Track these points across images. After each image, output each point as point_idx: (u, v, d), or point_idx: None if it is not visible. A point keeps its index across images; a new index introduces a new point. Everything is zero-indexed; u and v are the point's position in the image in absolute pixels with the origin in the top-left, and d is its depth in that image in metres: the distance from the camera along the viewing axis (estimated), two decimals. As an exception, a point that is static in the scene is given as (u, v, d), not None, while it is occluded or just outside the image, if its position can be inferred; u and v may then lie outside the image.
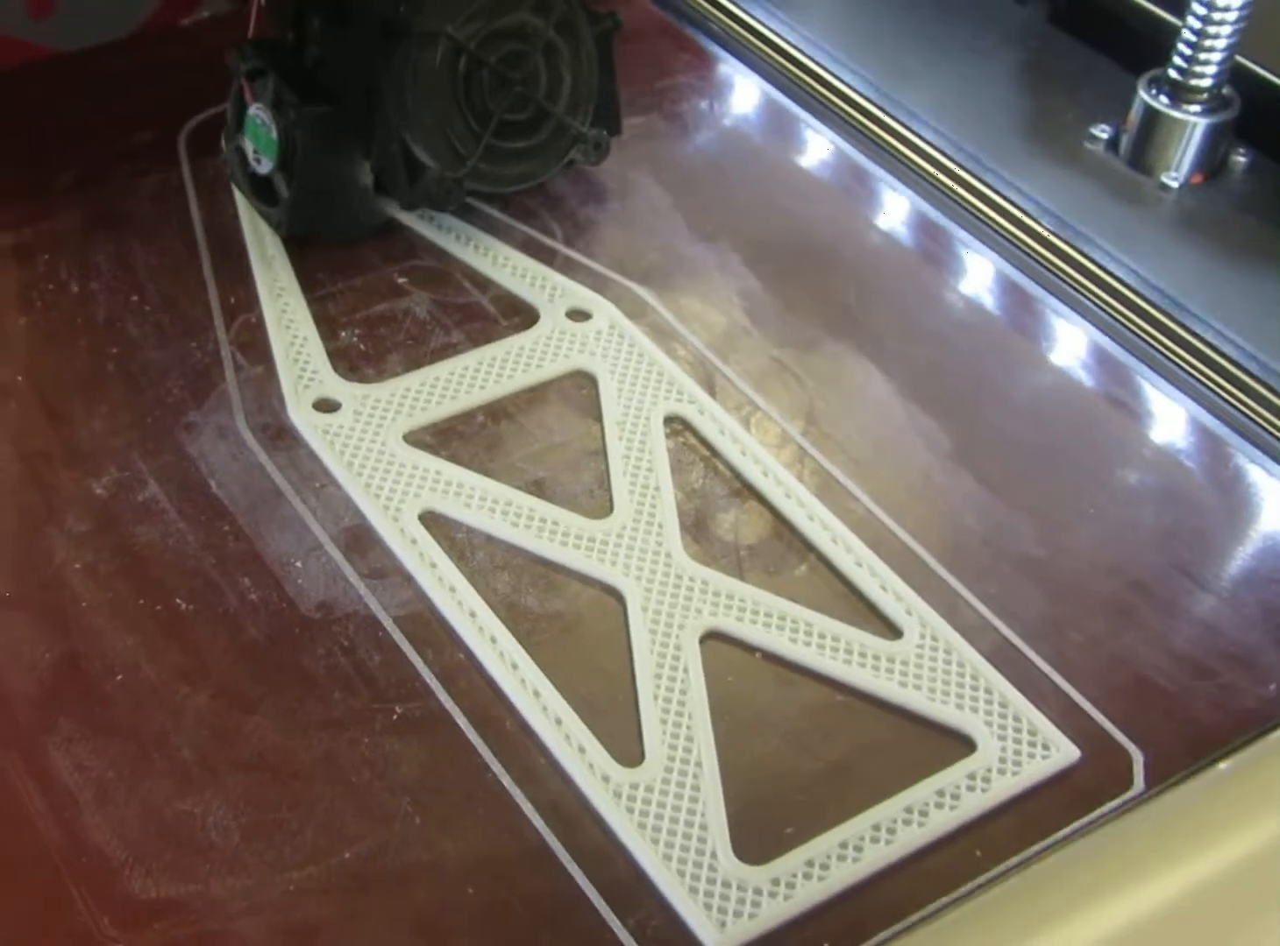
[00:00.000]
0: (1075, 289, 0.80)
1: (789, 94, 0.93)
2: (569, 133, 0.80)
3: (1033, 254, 0.82)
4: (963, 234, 0.84)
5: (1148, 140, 0.84)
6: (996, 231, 0.83)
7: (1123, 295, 0.79)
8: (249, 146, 0.79)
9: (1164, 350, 0.77)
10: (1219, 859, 0.41)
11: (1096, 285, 0.79)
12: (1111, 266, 0.79)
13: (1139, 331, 0.77)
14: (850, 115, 0.89)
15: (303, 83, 0.77)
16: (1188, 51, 0.82)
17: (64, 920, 0.54)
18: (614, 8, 0.81)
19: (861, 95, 0.90)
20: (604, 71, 0.81)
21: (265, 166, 0.78)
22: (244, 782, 0.58)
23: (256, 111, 0.78)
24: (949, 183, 0.85)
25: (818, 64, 0.92)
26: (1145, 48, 0.86)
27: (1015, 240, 0.82)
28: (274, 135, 0.77)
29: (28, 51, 0.91)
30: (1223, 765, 0.49)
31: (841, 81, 0.90)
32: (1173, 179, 0.84)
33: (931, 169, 0.86)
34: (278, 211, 0.79)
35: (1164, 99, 0.83)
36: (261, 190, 0.80)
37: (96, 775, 0.58)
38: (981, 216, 0.84)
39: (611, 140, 0.83)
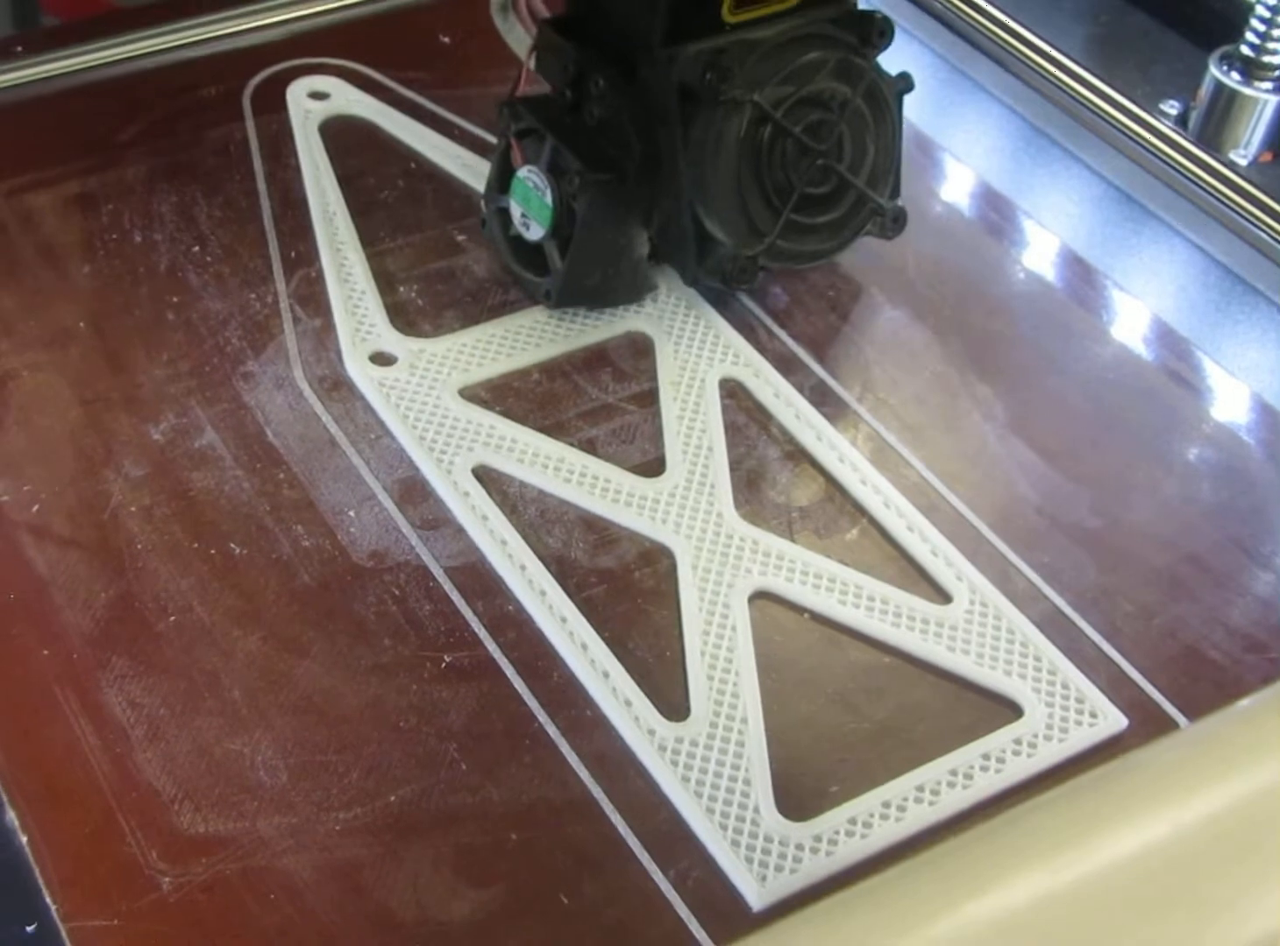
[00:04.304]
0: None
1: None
2: (867, 206, 0.73)
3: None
4: (1026, 205, 0.84)
5: (1217, 117, 0.83)
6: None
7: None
8: (516, 210, 0.74)
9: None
10: (1239, 787, 0.40)
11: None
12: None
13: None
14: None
15: (583, 147, 0.72)
16: (1261, 28, 0.80)
17: (113, 851, 0.54)
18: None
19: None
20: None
21: (535, 233, 0.73)
22: (293, 724, 0.59)
23: (528, 174, 0.72)
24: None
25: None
26: (1217, 24, 0.85)
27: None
28: (548, 201, 0.71)
29: (95, 6, 0.93)
30: (1244, 701, 0.48)
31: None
32: (1241, 156, 0.82)
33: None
34: (548, 281, 0.74)
35: (1235, 76, 0.82)
36: (527, 257, 0.75)
37: (148, 712, 0.59)
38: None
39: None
